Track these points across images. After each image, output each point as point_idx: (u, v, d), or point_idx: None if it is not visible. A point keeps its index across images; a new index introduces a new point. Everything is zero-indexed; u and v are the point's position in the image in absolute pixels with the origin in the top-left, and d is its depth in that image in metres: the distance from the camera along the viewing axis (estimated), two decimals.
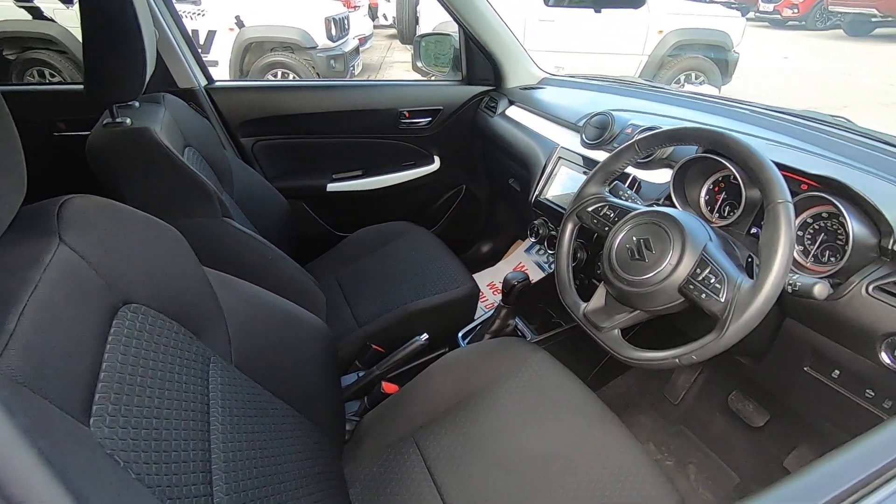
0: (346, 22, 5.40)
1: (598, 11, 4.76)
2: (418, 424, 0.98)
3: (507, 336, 1.29)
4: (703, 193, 1.05)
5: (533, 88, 1.70)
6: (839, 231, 0.84)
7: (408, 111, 1.70)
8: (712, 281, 0.72)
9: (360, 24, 6.45)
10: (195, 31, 4.68)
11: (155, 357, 0.56)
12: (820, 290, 0.69)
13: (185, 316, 0.63)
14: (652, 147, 0.89)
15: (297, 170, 1.70)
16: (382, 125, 1.71)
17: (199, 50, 1.59)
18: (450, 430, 0.95)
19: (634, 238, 0.82)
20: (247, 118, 1.59)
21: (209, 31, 4.76)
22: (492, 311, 1.31)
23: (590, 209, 0.94)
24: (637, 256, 0.81)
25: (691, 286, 0.74)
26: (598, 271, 0.88)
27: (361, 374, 1.21)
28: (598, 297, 0.89)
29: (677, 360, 0.74)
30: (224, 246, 1.00)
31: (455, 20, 1.60)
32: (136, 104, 1.05)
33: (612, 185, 1.01)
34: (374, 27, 7.86)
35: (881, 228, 0.78)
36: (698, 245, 0.76)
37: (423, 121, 1.74)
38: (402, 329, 1.27)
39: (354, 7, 6.38)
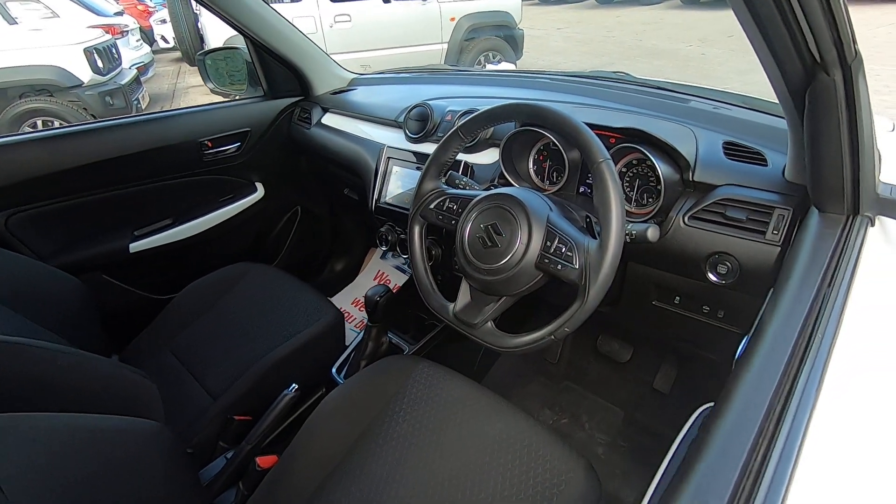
0: (113, 50, 4.66)
1: (386, 1, 4.83)
2: (312, 489, 0.85)
3: (384, 356, 1.21)
4: (530, 164, 1.08)
5: (344, 91, 1.61)
6: (650, 174, 0.92)
7: (209, 140, 1.48)
8: (563, 250, 0.73)
9: (134, 50, 5.63)
10: None
11: None
12: (652, 233, 0.73)
13: None
14: (474, 130, 0.87)
15: (81, 237, 1.37)
16: (183, 161, 1.47)
17: None
18: (350, 480, 0.85)
19: (482, 226, 0.80)
20: None
21: None
22: (362, 334, 1.22)
23: (432, 206, 0.90)
24: (489, 244, 0.78)
25: (546, 260, 0.74)
26: (456, 267, 0.84)
27: (230, 454, 1.02)
28: (464, 294, 0.85)
29: (553, 337, 0.74)
30: None
31: (241, 33, 1.43)
32: None
33: (448, 175, 0.98)
34: (154, 52, 6.95)
35: (680, 164, 0.87)
36: (542, 218, 0.76)
37: (231, 147, 1.54)
38: (267, 387, 1.11)
39: (121, 33, 5.53)
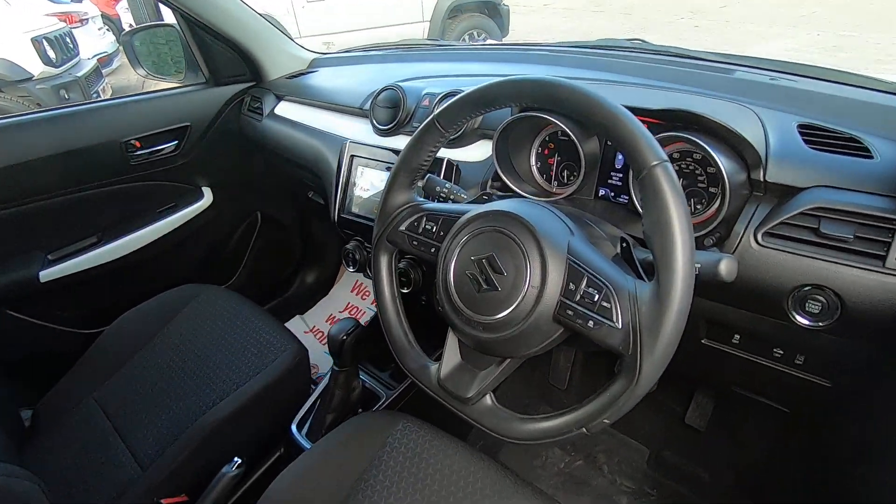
0: (68, 40, 4.29)
1: None
2: None
3: (355, 405, 0.97)
4: (532, 161, 0.83)
5: (302, 74, 1.35)
6: (698, 172, 0.67)
7: (137, 139, 1.21)
8: (596, 298, 0.48)
9: (96, 40, 5.24)
10: None
11: None
12: (728, 268, 0.49)
13: None
14: (458, 119, 0.62)
15: None
16: (105, 166, 1.20)
17: None
18: None
19: (473, 258, 0.55)
20: None
21: None
22: (327, 379, 0.97)
23: (402, 228, 0.65)
24: (485, 286, 0.54)
25: (570, 311, 0.50)
26: (440, 307, 0.60)
27: None
28: (451, 353, 0.61)
29: (585, 430, 0.50)
30: None
31: (170, 7, 1.16)
32: None
33: (425, 180, 0.73)
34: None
35: (746, 157, 0.62)
36: (560, 247, 0.52)
37: (167, 146, 1.27)
38: (207, 456, 0.87)
39: (80, 21, 5.13)
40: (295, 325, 1.63)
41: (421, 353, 0.64)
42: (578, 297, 0.50)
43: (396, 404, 0.98)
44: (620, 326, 0.46)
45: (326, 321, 1.65)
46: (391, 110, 0.98)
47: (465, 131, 0.88)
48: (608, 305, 0.48)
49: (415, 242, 0.64)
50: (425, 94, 0.97)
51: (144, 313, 1.12)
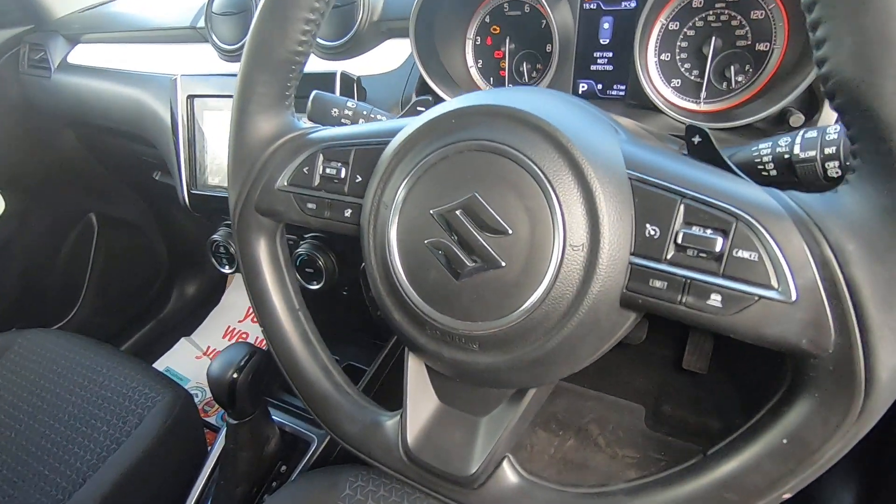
0: None
1: None
2: None
3: (273, 458, 0.67)
4: (469, 58, 0.55)
5: (102, 5, 0.93)
6: (735, 23, 0.44)
7: None
8: (719, 245, 0.23)
9: None
10: None
11: None
12: None
13: None
14: None
15: None
16: None
17: None
18: None
19: (436, 212, 0.27)
20: None
21: None
22: (222, 437, 0.66)
23: (282, 182, 0.34)
24: (471, 263, 0.26)
25: (657, 284, 0.24)
26: (379, 314, 0.32)
27: None
28: (418, 393, 0.33)
29: None
30: None
31: None
32: None
33: (311, 101, 0.42)
34: None
35: None
36: (612, 159, 0.25)
37: None
38: None
39: None
40: (182, 351, 1.25)
41: (363, 402, 0.35)
42: (671, 250, 0.24)
43: (333, 449, 0.69)
44: (796, 297, 0.21)
45: (224, 337, 1.29)
46: (238, 18, 0.63)
47: (360, 29, 0.57)
48: (750, 256, 0.22)
49: (311, 206, 0.34)
50: None
51: None
